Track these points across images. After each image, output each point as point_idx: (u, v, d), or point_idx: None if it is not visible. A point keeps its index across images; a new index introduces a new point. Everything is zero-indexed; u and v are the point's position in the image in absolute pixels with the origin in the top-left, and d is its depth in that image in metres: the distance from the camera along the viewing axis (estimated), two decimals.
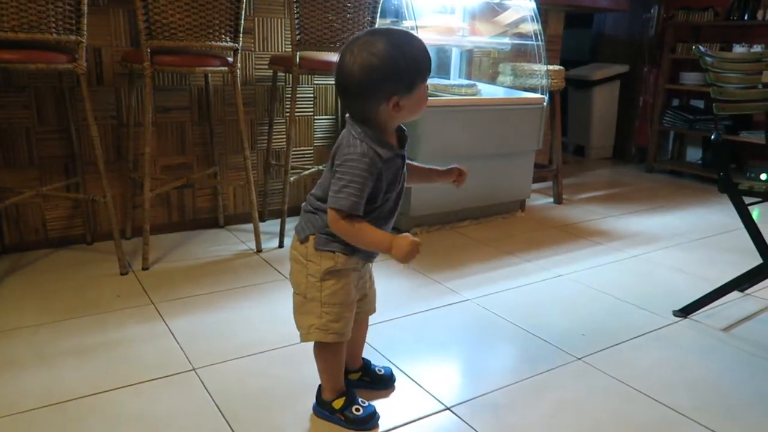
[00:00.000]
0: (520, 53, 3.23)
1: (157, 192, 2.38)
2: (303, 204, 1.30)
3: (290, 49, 2.31)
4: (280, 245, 2.50)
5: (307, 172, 2.70)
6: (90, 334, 1.71)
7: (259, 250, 2.42)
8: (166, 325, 1.79)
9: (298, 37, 2.29)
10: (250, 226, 2.58)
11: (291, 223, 2.50)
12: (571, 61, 4.92)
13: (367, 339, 1.72)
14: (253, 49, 2.63)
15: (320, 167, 2.75)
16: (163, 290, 2.03)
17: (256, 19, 2.61)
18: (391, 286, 2.15)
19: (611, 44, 4.92)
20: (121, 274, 2.15)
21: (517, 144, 2.92)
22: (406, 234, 1.15)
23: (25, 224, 2.32)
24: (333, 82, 2.87)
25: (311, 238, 1.25)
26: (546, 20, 3.58)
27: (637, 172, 4.38)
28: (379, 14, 2.45)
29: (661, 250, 2.64)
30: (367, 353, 1.60)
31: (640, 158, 4.63)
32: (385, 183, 1.19)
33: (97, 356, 1.60)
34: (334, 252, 1.24)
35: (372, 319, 1.84)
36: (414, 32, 2.50)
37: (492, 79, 3.33)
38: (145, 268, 2.20)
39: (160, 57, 2.09)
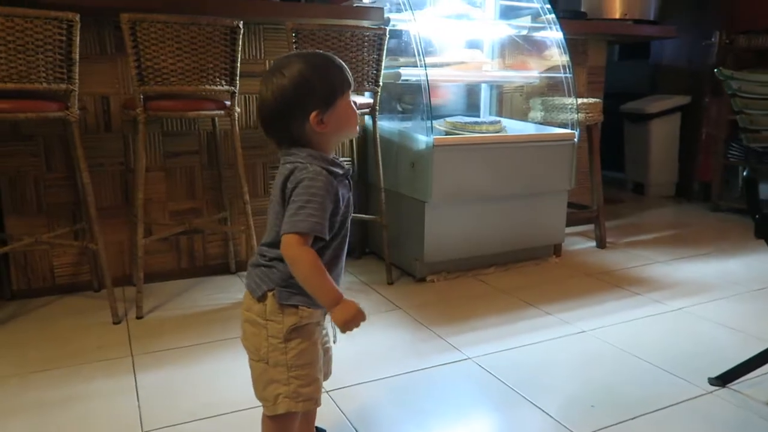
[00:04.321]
0: (552, 86, 3.02)
1: (160, 237, 2.35)
2: (251, 259, 1.18)
3: None
4: None
5: None
6: (54, 388, 1.65)
7: None
8: (135, 380, 1.70)
9: None
10: None
11: None
12: (628, 94, 4.63)
13: (339, 404, 1.56)
14: None
15: None
16: (148, 341, 1.96)
17: (267, 61, 2.58)
18: (386, 339, 1.97)
19: (671, 74, 4.58)
20: (114, 323, 2.10)
21: (546, 183, 2.69)
22: (356, 302, 1.06)
23: (33, 271, 2.34)
24: None
25: (269, 294, 1.11)
26: (585, 51, 3.36)
27: (701, 212, 3.97)
28: (385, 51, 2.34)
29: (710, 303, 2.30)
30: (333, 421, 1.43)
31: (705, 196, 4.21)
32: (341, 203, 1.10)
33: (51, 413, 1.52)
34: (297, 306, 1.11)
35: (348, 379, 1.68)
36: (421, 70, 2.38)
37: (524, 115, 3.14)
38: (139, 317, 2.15)
39: (154, 102, 2.07)
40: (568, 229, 2.99)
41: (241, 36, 2.11)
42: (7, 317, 2.16)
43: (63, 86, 1.93)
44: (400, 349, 1.91)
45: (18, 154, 2.24)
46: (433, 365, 1.79)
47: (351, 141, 2.76)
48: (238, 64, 2.15)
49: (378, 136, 2.47)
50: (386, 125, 2.69)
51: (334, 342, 1.23)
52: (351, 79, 1.12)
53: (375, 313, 2.20)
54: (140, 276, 2.16)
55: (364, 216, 2.64)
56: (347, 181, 1.13)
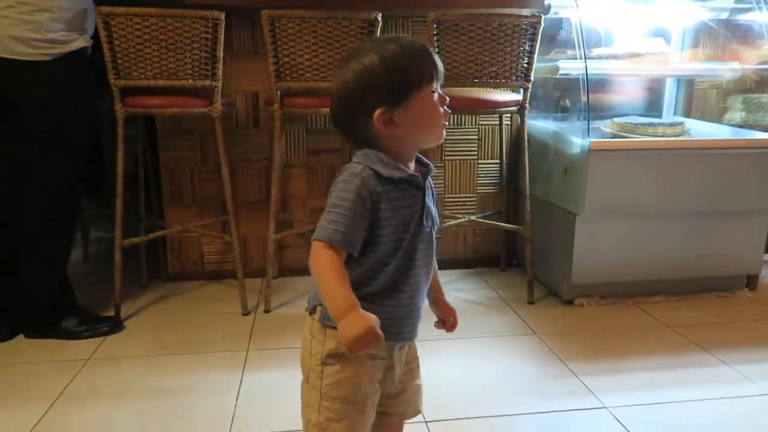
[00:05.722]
0: (760, 82, 2.46)
1: (296, 233, 2.37)
2: None
3: None
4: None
5: (459, 220, 2.39)
6: (172, 375, 1.70)
7: None
8: (242, 377, 1.69)
9: None
10: None
11: (443, 276, 2.24)
12: None
13: None
14: None
15: (474, 217, 2.44)
16: (268, 337, 1.96)
17: None
18: (510, 369, 1.73)
19: None
20: (243, 314, 2.15)
21: (740, 200, 2.19)
22: (373, 318, 0.84)
23: (186, 257, 2.50)
24: (497, 123, 2.56)
25: (318, 309, 0.99)
26: None
27: None
28: (538, 42, 2.07)
29: None
30: None
31: None
32: (391, 213, 0.90)
33: (158, 401, 1.57)
34: (337, 329, 0.97)
35: (456, 410, 1.50)
36: (581, 63, 2.06)
37: (719, 116, 2.61)
38: (266, 311, 2.17)
39: (290, 99, 2.06)
40: None
41: (379, 29, 2.01)
42: (159, 298, 2.32)
43: (207, 83, 2.00)
44: (524, 382, 1.66)
45: (178, 148, 2.40)
46: (558, 409, 1.52)
47: (500, 141, 2.53)
48: None
49: (526, 137, 2.21)
50: (540, 125, 2.41)
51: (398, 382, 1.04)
52: (439, 69, 0.92)
53: (507, 335, 1.97)
54: (270, 271, 2.18)
55: (506, 225, 2.39)
56: (416, 191, 0.94)
